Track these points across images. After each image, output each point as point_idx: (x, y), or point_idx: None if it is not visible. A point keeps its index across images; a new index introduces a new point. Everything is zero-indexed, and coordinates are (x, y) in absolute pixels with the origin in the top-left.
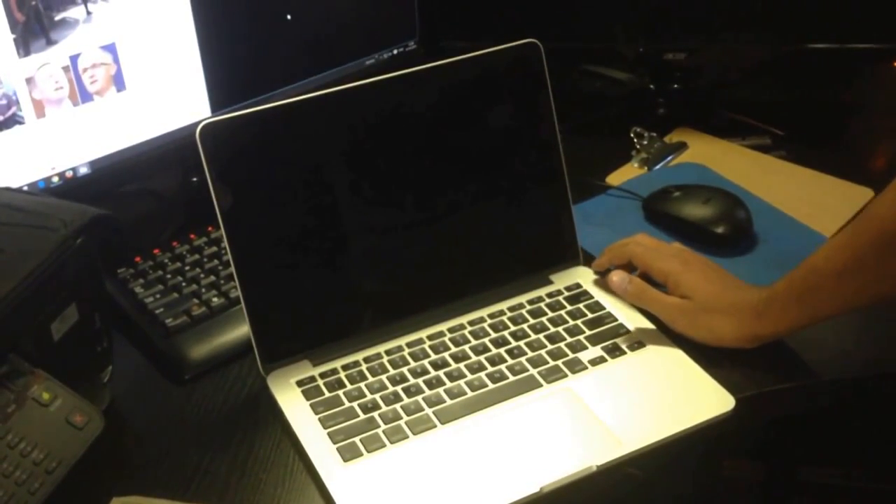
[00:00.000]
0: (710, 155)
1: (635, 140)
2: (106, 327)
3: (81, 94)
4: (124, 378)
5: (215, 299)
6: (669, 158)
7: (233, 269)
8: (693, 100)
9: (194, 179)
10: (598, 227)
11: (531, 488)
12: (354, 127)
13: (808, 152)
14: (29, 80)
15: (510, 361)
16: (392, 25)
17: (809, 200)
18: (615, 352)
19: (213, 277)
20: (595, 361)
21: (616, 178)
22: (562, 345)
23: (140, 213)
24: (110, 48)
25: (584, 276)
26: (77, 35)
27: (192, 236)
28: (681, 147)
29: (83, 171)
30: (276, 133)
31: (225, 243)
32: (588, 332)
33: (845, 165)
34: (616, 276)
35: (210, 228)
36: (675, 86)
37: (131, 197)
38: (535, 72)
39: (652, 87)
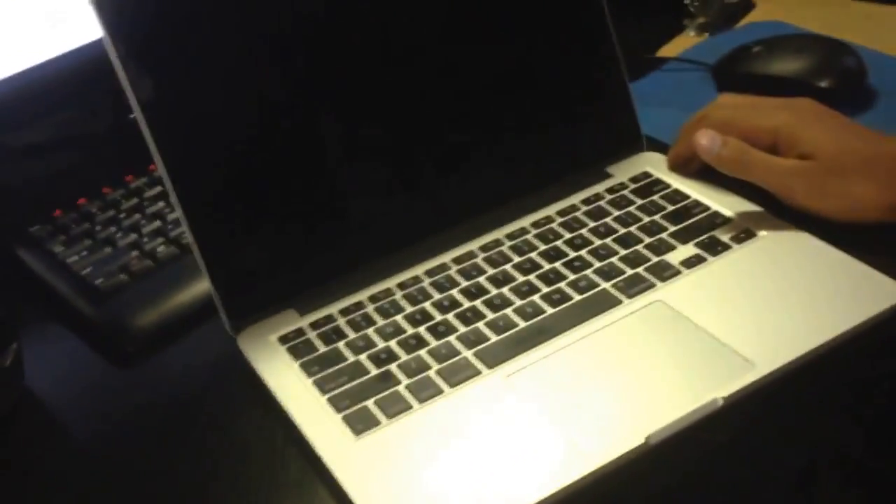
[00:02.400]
0: (786, 10)
1: (688, 2)
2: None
3: None
4: (46, 364)
5: (162, 248)
6: (735, 20)
7: (172, 195)
8: None
9: (132, 116)
10: (660, 108)
11: (632, 440)
12: None
13: None
14: None
15: (572, 277)
16: None
17: None
18: (716, 247)
19: (158, 222)
20: (690, 263)
21: (670, 52)
22: (640, 248)
23: (62, 167)
24: None
25: (652, 163)
26: None
27: (128, 178)
28: (747, 6)
29: None
30: None
31: (157, 158)
32: (673, 228)
33: None
34: (704, 138)
35: (152, 168)
36: None
37: (48, 147)
38: None
39: None
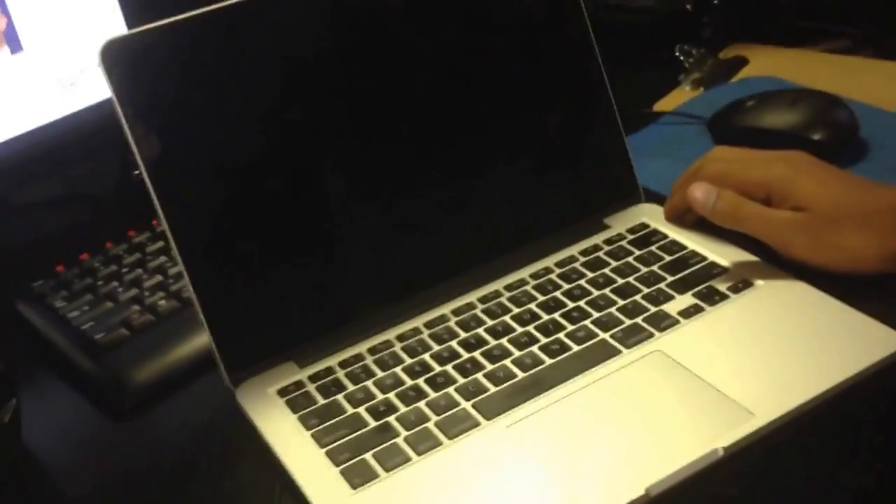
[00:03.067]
0: (779, 66)
1: (682, 59)
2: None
3: None
4: (45, 419)
5: (163, 302)
6: (729, 76)
7: (174, 249)
8: (744, 11)
9: (136, 173)
10: (656, 160)
11: (632, 492)
12: (329, 37)
13: None
14: None
15: (571, 327)
16: None
17: None
18: (713, 297)
19: (159, 277)
20: (688, 313)
21: (666, 106)
22: (638, 298)
23: (66, 223)
24: None
25: (650, 215)
26: None
27: (130, 233)
28: (740, 62)
29: None
30: (217, 50)
31: (159, 214)
32: (670, 278)
33: None
34: (699, 191)
35: (154, 223)
36: (715, 1)
37: (52, 203)
38: None
39: (689, 7)
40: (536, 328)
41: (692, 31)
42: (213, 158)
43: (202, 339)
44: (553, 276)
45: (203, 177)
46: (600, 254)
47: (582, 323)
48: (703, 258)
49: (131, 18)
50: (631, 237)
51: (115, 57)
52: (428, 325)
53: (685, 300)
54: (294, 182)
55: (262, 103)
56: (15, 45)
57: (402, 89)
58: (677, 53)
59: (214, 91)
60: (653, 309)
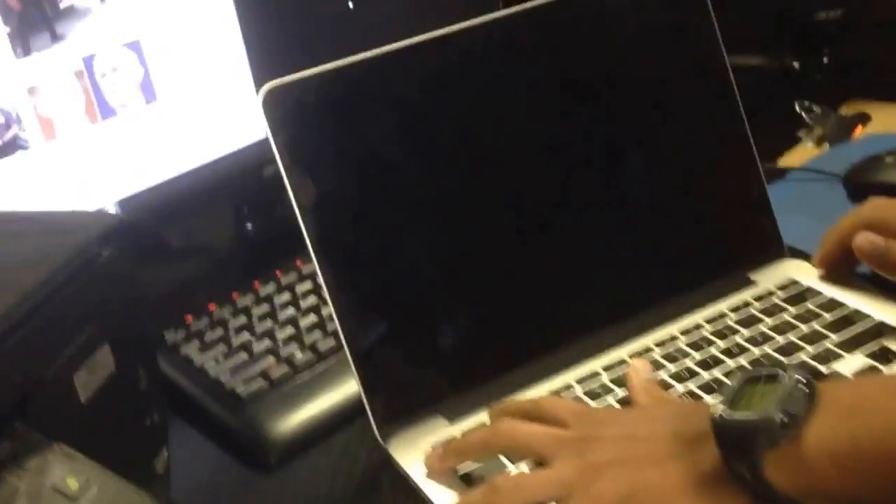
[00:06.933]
0: None
1: (804, 115)
2: (156, 391)
3: (101, 108)
4: (186, 471)
5: (298, 354)
6: (850, 132)
7: (328, 301)
8: (857, 67)
9: (249, 226)
10: (789, 216)
11: None
12: (481, 84)
13: None
14: (32, 91)
15: None
16: None
17: None
18: (888, 357)
19: (291, 329)
20: (864, 374)
21: (790, 162)
22: (803, 356)
23: (184, 276)
24: (134, 47)
25: (797, 271)
26: (90, 28)
27: (255, 283)
28: (862, 118)
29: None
30: (375, 96)
31: (315, 266)
32: (835, 337)
33: None
34: (864, 240)
35: (278, 273)
36: (825, 59)
37: (169, 256)
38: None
39: (796, 65)
40: (699, 387)
41: (797, 88)
42: (369, 206)
43: (341, 392)
44: (704, 332)
45: (358, 225)
46: (751, 309)
47: None
48: (867, 315)
49: (258, 70)
50: (782, 294)
51: (276, 102)
52: (580, 381)
53: (856, 359)
54: (448, 233)
55: (415, 152)
56: (150, 94)
57: (554, 150)
58: (798, 110)
59: (371, 137)
60: (824, 369)
